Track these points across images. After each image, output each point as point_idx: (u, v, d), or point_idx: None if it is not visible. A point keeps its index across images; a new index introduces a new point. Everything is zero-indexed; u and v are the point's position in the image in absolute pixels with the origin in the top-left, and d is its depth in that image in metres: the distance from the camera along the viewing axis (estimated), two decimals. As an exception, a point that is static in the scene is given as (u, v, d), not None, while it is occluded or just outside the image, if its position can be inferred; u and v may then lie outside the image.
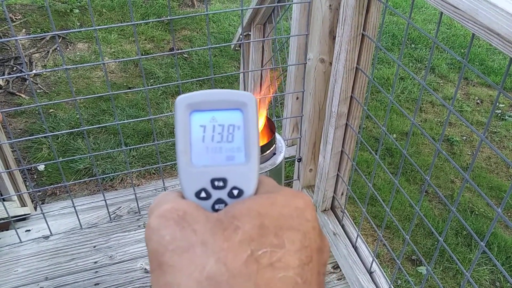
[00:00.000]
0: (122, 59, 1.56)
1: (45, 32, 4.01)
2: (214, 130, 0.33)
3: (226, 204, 0.32)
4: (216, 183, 0.32)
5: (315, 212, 0.31)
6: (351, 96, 1.44)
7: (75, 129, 1.54)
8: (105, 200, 1.76)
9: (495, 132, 3.43)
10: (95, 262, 1.71)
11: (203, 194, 0.32)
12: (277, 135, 1.02)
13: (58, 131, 2.94)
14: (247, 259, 0.26)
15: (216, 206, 0.32)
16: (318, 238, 0.30)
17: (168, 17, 1.26)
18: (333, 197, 1.73)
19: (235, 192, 0.32)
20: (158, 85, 2.01)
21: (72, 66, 1.42)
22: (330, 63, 1.50)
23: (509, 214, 2.75)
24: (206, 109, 0.33)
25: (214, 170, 0.32)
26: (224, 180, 0.32)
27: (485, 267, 2.38)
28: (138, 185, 2.56)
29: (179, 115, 0.32)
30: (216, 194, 0.32)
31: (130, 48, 3.96)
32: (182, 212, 0.29)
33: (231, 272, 0.26)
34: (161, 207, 0.30)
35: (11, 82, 3.42)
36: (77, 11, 4.39)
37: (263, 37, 2.25)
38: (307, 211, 0.30)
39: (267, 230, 0.28)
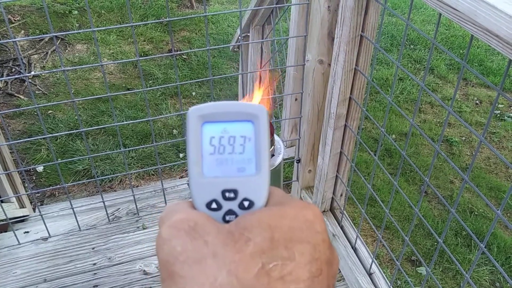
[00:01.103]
0: (121, 61, 1.55)
1: (43, 34, 4.00)
2: (226, 142, 0.33)
3: (236, 216, 0.32)
4: (227, 194, 0.32)
5: (324, 224, 0.31)
6: (350, 97, 1.44)
7: (74, 131, 1.54)
8: (104, 202, 1.75)
9: (494, 132, 3.44)
10: (94, 264, 1.70)
11: (214, 205, 0.32)
12: (276, 136, 1.02)
13: (57, 133, 2.93)
14: (258, 272, 0.27)
15: (227, 217, 0.32)
16: (328, 251, 0.30)
17: (167, 18, 1.25)
18: (332, 198, 1.73)
19: (246, 203, 0.32)
20: (157, 86, 2.01)
21: (71, 68, 1.42)
22: (329, 64, 1.50)
23: (508, 214, 2.75)
24: (218, 120, 0.33)
25: (225, 181, 0.32)
26: (235, 192, 0.32)
27: (484, 268, 2.38)
28: (137, 186, 2.55)
29: (191, 126, 0.33)
30: (227, 205, 0.32)
31: (129, 49, 3.96)
32: (193, 223, 0.29)
33: (242, 284, 0.26)
34: (172, 218, 0.30)
35: (9, 83, 3.42)
36: (75, 12, 4.38)
37: (262, 38, 2.25)
38: (316, 223, 0.30)
39: (277, 243, 0.28)
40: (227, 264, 0.27)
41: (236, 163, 0.33)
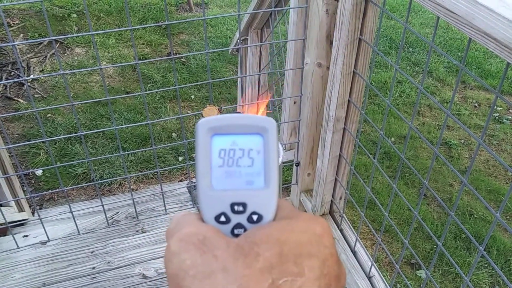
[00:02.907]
0: (119, 64, 1.56)
1: (42, 37, 4.01)
2: (235, 154, 0.33)
3: (245, 229, 0.32)
4: (235, 207, 0.32)
5: (332, 237, 0.31)
6: (349, 100, 1.44)
7: (73, 134, 1.54)
8: (103, 205, 1.75)
9: (493, 135, 3.44)
10: (93, 268, 1.70)
11: (222, 218, 0.32)
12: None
13: (56, 136, 2.93)
14: None
15: (236, 231, 0.32)
16: (336, 265, 0.30)
17: (166, 22, 1.25)
18: (332, 201, 1.73)
19: (255, 217, 0.32)
20: (156, 90, 2.01)
21: (70, 71, 1.42)
22: (328, 68, 1.50)
23: (508, 217, 2.75)
24: (227, 133, 0.33)
25: (234, 195, 0.32)
26: (244, 205, 0.32)
27: (484, 271, 2.38)
28: (136, 190, 2.55)
29: (200, 138, 0.33)
30: (235, 219, 0.32)
31: (128, 53, 3.96)
32: (203, 236, 0.29)
33: None
34: (181, 230, 0.30)
35: (8, 87, 3.42)
36: (74, 16, 4.39)
37: (261, 42, 2.26)
38: (325, 237, 0.30)
39: (286, 258, 0.28)
40: (237, 280, 0.27)
41: (245, 176, 0.33)
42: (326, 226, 0.31)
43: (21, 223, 1.88)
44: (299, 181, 1.83)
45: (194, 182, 2.06)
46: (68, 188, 2.59)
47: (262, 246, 0.28)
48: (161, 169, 2.31)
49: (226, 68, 3.92)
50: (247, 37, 2.33)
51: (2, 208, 1.72)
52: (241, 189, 0.32)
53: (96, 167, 2.77)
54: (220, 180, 0.33)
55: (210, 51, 1.46)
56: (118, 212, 1.95)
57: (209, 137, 0.33)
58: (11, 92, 3.39)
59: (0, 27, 4.06)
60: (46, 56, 3.80)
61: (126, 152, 2.84)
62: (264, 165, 0.33)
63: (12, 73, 3.57)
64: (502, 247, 2.48)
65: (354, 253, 1.61)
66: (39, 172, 2.71)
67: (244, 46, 2.35)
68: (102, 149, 2.92)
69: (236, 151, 0.33)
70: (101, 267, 1.70)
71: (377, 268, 1.54)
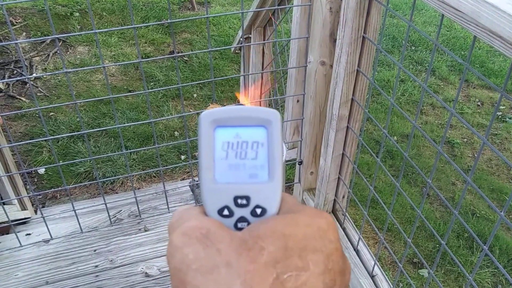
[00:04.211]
0: (122, 63, 1.56)
1: (45, 36, 4.01)
2: (238, 147, 0.32)
3: (249, 223, 0.31)
4: (239, 201, 0.31)
5: (337, 232, 0.30)
6: (352, 99, 1.43)
7: (76, 133, 1.54)
8: (106, 204, 1.75)
9: (496, 134, 3.43)
10: (96, 266, 1.70)
11: (226, 212, 0.31)
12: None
13: (59, 135, 2.94)
14: (273, 283, 0.26)
15: (239, 225, 0.31)
16: (341, 260, 0.30)
17: (169, 20, 1.25)
18: (334, 200, 1.72)
19: (258, 210, 0.31)
20: (159, 88, 2.01)
21: (73, 70, 1.42)
22: (331, 66, 1.50)
23: (511, 216, 2.74)
24: (231, 125, 0.32)
25: (237, 188, 0.32)
26: (247, 198, 0.31)
27: (487, 270, 2.37)
28: (138, 188, 2.55)
29: (203, 130, 0.32)
30: (239, 212, 0.31)
31: (130, 51, 3.96)
32: (206, 230, 0.29)
33: None
34: (184, 224, 0.30)
35: (11, 85, 3.42)
36: (77, 14, 4.39)
37: (264, 40, 2.25)
38: (329, 232, 0.30)
39: (291, 252, 0.27)
40: (241, 274, 0.26)
41: (249, 169, 0.32)
42: (331, 221, 0.31)
43: (23, 222, 1.88)
44: (302, 179, 1.83)
45: (197, 181, 2.06)
46: (70, 186, 2.60)
47: (267, 240, 0.28)
48: (164, 168, 2.31)
49: (228, 67, 3.91)
50: (250, 36, 2.33)
51: (5, 206, 1.72)
52: (245, 182, 0.32)
53: (98, 165, 2.78)
54: (223, 173, 0.32)
55: (212, 49, 1.46)
56: (120, 210, 1.95)
57: (212, 130, 0.32)
58: (14, 91, 3.40)
59: (3, 25, 4.06)
60: (48, 55, 3.80)
61: (129, 151, 2.84)
62: (268, 158, 0.32)
63: (15, 71, 3.58)
64: (505, 246, 2.47)
65: (357, 252, 1.61)
66: (41, 170, 2.72)
67: (247, 44, 2.34)
68: (104, 147, 2.92)
69: (239, 143, 0.32)
70: (104, 265, 1.71)
71: (380, 267, 1.53)
